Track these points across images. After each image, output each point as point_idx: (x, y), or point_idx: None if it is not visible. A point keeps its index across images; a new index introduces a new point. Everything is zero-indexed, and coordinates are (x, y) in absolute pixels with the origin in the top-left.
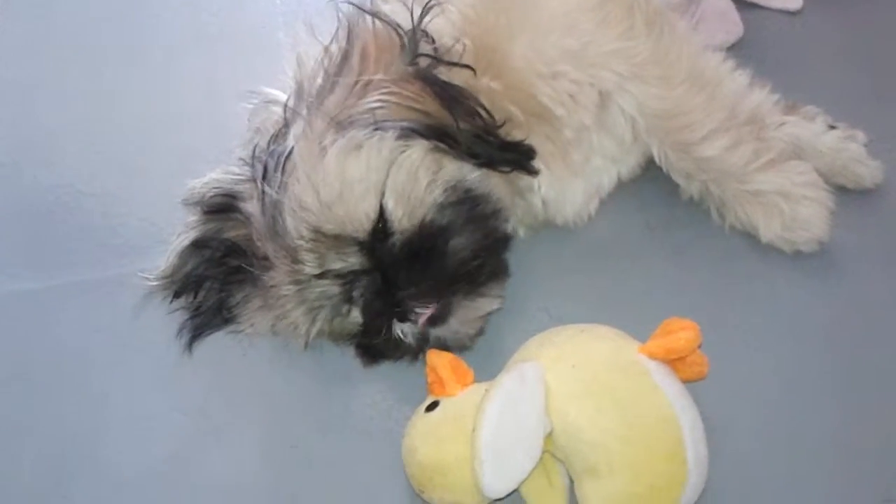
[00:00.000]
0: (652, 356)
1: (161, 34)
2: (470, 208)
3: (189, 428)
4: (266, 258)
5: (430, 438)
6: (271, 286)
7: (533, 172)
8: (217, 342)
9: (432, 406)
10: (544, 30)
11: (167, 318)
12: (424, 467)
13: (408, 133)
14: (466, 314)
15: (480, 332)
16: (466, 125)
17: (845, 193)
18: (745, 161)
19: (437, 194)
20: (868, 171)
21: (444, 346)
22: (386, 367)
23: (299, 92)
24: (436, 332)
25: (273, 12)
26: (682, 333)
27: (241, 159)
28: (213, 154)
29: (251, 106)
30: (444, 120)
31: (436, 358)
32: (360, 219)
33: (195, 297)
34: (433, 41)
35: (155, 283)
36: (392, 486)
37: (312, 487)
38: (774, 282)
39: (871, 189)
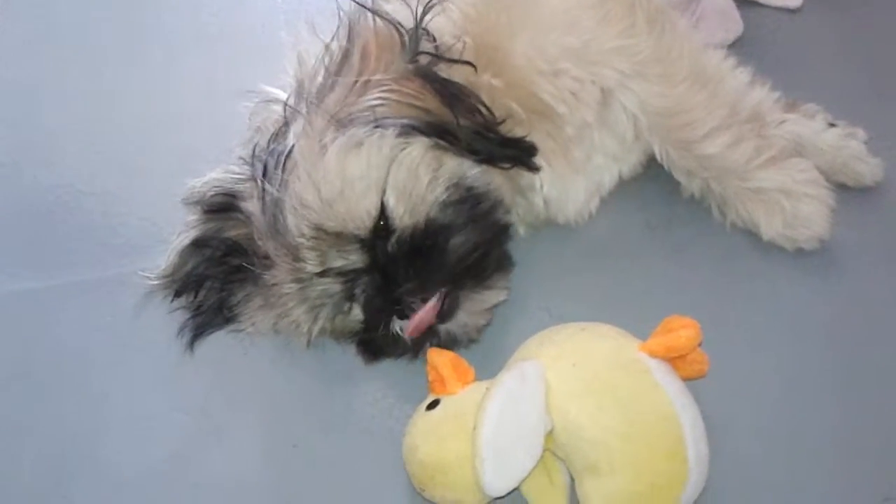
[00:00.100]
0: (652, 354)
1: (161, 34)
2: (471, 206)
3: (190, 427)
4: (267, 257)
5: (431, 437)
6: (272, 285)
7: (534, 169)
8: (218, 341)
9: (433, 404)
10: (545, 27)
11: (168, 318)
12: (425, 466)
13: (408, 130)
14: (474, 307)
15: (488, 324)
16: (467, 122)
17: (846, 191)
18: (746, 158)
19: (438, 192)
20: (868, 168)
21: (453, 340)
22: (387, 366)
23: (300, 90)
24: (445, 326)
25: (274, 11)
26: (682, 331)
27: (241, 158)
28: (213, 153)
29: (251, 105)
30: (444, 117)
31: (437, 356)
32: (361, 216)
33: (196, 297)
34: (434, 39)
35: (155, 283)
36: (393, 484)
37: (314, 486)
38: (775, 280)
39: (872, 187)
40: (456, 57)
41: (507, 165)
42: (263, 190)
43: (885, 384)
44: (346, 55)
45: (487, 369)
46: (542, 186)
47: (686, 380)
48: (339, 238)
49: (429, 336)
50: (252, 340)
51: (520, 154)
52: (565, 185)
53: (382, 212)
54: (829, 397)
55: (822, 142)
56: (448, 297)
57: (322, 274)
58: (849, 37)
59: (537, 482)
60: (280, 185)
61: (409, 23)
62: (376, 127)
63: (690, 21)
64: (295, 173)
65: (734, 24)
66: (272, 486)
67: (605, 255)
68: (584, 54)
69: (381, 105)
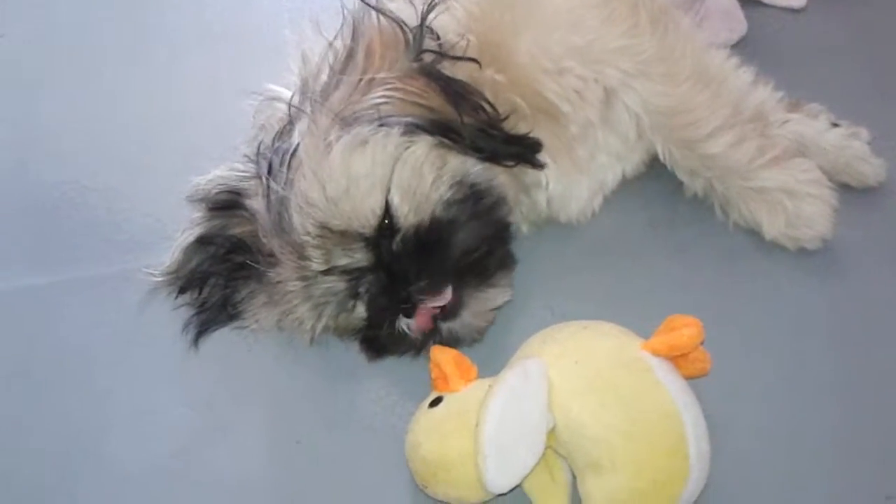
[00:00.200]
0: (655, 353)
1: (165, 32)
2: (475, 203)
3: (194, 423)
4: (272, 255)
5: (433, 434)
6: (277, 282)
7: (538, 166)
8: (222, 338)
9: (436, 402)
10: (549, 26)
11: (172, 315)
12: (428, 463)
13: (412, 129)
14: (478, 307)
15: (490, 324)
16: (471, 120)
17: (849, 191)
18: (749, 158)
19: (442, 190)
20: (871, 168)
21: (455, 340)
22: (390, 363)
23: (304, 89)
24: (447, 325)
25: (278, 10)
26: (685, 330)
27: (245, 156)
28: (217, 151)
29: (255, 103)
30: (448, 115)
31: (440, 354)
32: (366, 215)
33: (200, 294)
34: (438, 37)
35: (160, 279)
36: (396, 481)
37: (317, 482)
38: (777, 279)
39: (875, 187)
40: (460, 54)
41: (511, 163)
42: (268, 188)
43: (887, 382)
44: (350, 54)
45: (490, 367)
46: (547, 185)
47: (688, 378)
48: (344, 236)
49: (431, 334)
50: (256, 337)
51: (524, 151)
52: (569, 183)
53: (387, 210)
54: (830, 395)
55: (825, 142)
56: (453, 294)
57: (327, 272)
58: (852, 37)
59: (539, 480)
60: (285, 184)
61: (413, 21)
62: (381, 125)
63: (694, 20)
64: (300, 171)
65: (738, 24)
66: (276, 482)
67: (608, 253)
68: (588, 53)
69: (386, 103)
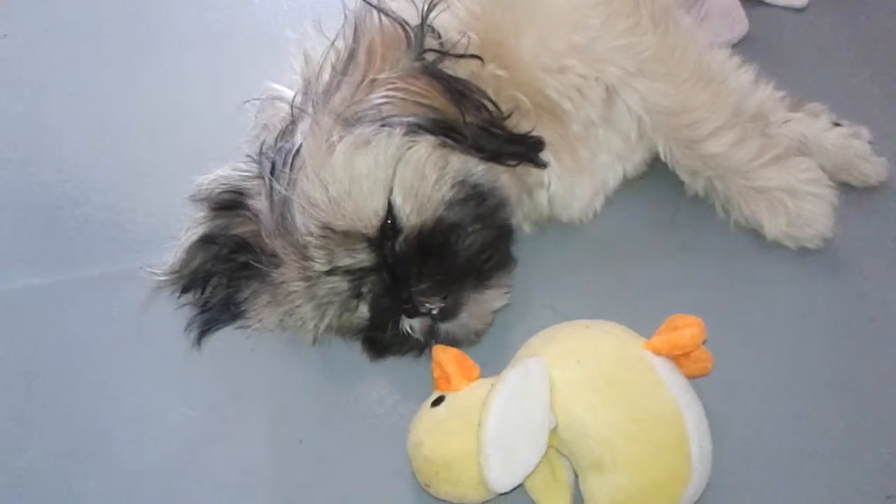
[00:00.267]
0: (657, 352)
1: (168, 32)
2: (477, 204)
3: (197, 423)
4: (274, 255)
5: (435, 433)
6: (280, 282)
7: (541, 165)
8: (225, 337)
9: (438, 401)
10: (552, 25)
11: (175, 314)
12: (430, 462)
13: (414, 129)
14: (476, 308)
15: (488, 326)
16: (473, 119)
17: (850, 190)
18: (750, 157)
19: (444, 190)
20: (872, 168)
21: (452, 341)
22: (392, 363)
23: (306, 89)
24: (445, 326)
25: (280, 9)
26: (686, 329)
27: (248, 156)
28: (220, 150)
29: (258, 103)
30: (450, 114)
31: (442, 353)
32: (368, 215)
33: (203, 293)
34: (439, 36)
35: (163, 279)
36: (398, 480)
37: (319, 481)
38: (779, 278)
39: (876, 186)
40: (461, 52)
41: (513, 162)
42: (271, 188)
43: (888, 381)
44: (352, 54)
45: (492, 366)
46: (550, 184)
47: (690, 377)
48: (347, 237)
49: (432, 334)
50: (259, 337)
51: (526, 150)
52: (571, 183)
53: (389, 211)
54: (831, 394)
55: (826, 141)
56: (451, 295)
57: (330, 272)
58: (854, 36)
59: (541, 478)
60: (288, 184)
61: (414, 20)
62: (383, 125)
63: (695, 20)
64: (303, 172)
65: (739, 23)
66: (278, 481)
67: (610, 252)
68: (590, 51)
69: (388, 103)
